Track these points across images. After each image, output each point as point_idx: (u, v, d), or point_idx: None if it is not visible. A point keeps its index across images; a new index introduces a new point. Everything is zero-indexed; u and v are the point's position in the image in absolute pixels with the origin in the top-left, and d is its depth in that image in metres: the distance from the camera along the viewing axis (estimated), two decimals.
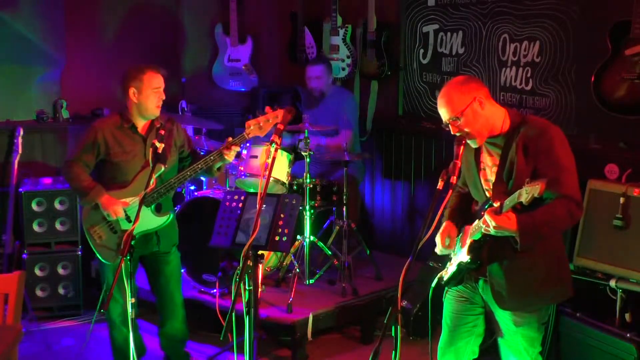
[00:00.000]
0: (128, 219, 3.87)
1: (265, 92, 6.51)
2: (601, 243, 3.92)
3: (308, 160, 4.95)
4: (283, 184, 4.93)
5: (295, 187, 5.11)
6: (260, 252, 3.31)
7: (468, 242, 3.02)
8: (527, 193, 2.66)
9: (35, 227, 5.15)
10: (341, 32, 6.09)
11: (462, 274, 3.12)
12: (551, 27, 4.72)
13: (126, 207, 3.86)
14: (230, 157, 3.84)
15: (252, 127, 3.75)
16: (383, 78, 5.94)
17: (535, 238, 2.87)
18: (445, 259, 3.25)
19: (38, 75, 5.80)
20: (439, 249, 3.14)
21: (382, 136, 6.06)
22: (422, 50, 5.68)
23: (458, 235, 3.13)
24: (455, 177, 2.86)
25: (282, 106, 3.71)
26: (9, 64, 5.64)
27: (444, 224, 3.16)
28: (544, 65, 4.79)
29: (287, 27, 6.59)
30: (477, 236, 2.97)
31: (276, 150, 3.31)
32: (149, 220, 3.90)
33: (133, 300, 3.41)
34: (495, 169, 3.02)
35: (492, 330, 3.23)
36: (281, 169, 4.90)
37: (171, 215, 4.00)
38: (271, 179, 4.67)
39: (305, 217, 4.98)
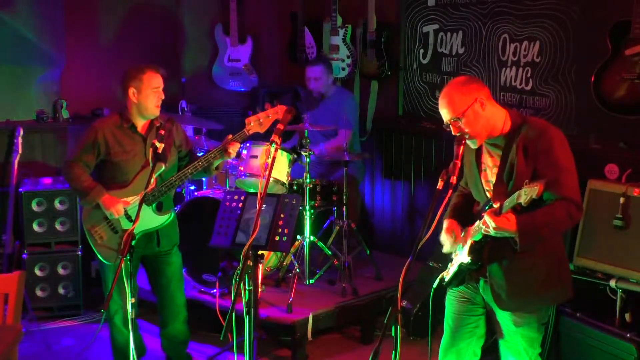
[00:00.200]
0: (129, 218, 3.87)
1: (265, 92, 6.51)
2: (601, 243, 3.92)
3: (308, 160, 4.95)
4: (283, 184, 4.93)
5: (295, 187, 5.11)
6: (260, 252, 3.31)
7: (469, 243, 3.02)
8: (525, 194, 2.67)
9: (35, 227, 5.15)
10: (341, 32, 6.09)
11: (463, 275, 3.12)
12: (551, 27, 4.72)
13: (127, 207, 3.86)
14: (231, 153, 3.85)
15: (253, 124, 3.77)
16: (383, 78, 5.94)
17: (535, 239, 2.87)
18: (445, 259, 3.25)
19: (38, 75, 5.80)
20: (446, 249, 3.14)
21: (382, 136, 6.06)
22: (422, 50, 5.68)
23: (461, 233, 3.12)
24: (455, 177, 2.86)
25: (282, 104, 3.72)
26: (9, 64, 5.64)
27: (446, 222, 3.16)
28: (544, 65, 4.79)
29: (287, 27, 6.59)
30: (478, 237, 2.97)
31: (276, 150, 3.31)
32: (150, 219, 3.90)
33: (133, 300, 3.41)
34: (495, 170, 3.02)
35: (492, 330, 3.23)
36: (281, 169, 4.90)
37: (172, 214, 4.00)
38: (271, 179, 4.68)
39: (305, 217, 4.98)
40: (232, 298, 3.22)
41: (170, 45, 6.49)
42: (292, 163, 5.05)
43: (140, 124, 3.95)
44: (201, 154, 4.06)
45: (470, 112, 2.93)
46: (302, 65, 6.13)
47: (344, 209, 5.02)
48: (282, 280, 5.07)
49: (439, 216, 2.83)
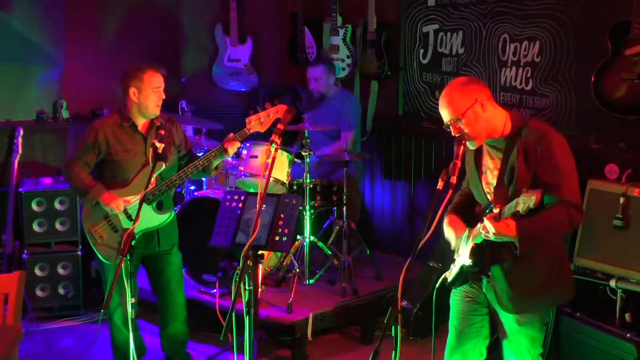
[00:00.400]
0: (129, 217, 3.87)
1: (265, 92, 6.50)
2: (601, 243, 3.92)
3: (308, 160, 4.95)
4: (283, 184, 4.93)
5: (295, 187, 5.11)
6: (260, 252, 3.31)
7: (470, 244, 3.01)
8: (523, 203, 2.67)
9: (35, 227, 5.15)
10: (341, 32, 6.09)
11: (466, 276, 3.12)
12: (551, 27, 4.72)
13: (127, 206, 3.86)
14: (229, 152, 3.85)
15: (253, 123, 3.79)
16: (383, 78, 5.94)
17: (535, 243, 2.87)
18: (445, 259, 3.25)
19: (38, 75, 5.79)
20: (453, 244, 3.13)
21: (382, 136, 6.06)
22: (422, 50, 5.68)
23: (465, 229, 3.11)
24: (455, 177, 2.85)
25: (282, 104, 3.73)
26: (9, 64, 5.64)
27: (447, 218, 3.16)
28: (544, 65, 4.79)
29: (287, 27, 6.59)
30: (479, 240, 2.97)
31: (276, 150, 3.31)
32: (151, 218, 3.90)
33: (133, 300, 3.40)
34: (496, 173, 3.01)
35: (494, 329, 3.23)
36: (281, 169, 4.90)
37: (172, 213, 4.00)
38: (271, 179, 4.68)
39: (305, 217, 4.98)
40: (232, 298, 3.22)
41: (170, 45, 6.49)
42: (292, 163, 5.05)
43: (141, 123, 3.95)
44: (201, 154, 4.07)
45: (470, 113, 2.93)
46: (302, 65, 6.13)
47: (344, 209, 5.02)
48: (282, 280, 5.07)
49: (439, 216, 2.82)
